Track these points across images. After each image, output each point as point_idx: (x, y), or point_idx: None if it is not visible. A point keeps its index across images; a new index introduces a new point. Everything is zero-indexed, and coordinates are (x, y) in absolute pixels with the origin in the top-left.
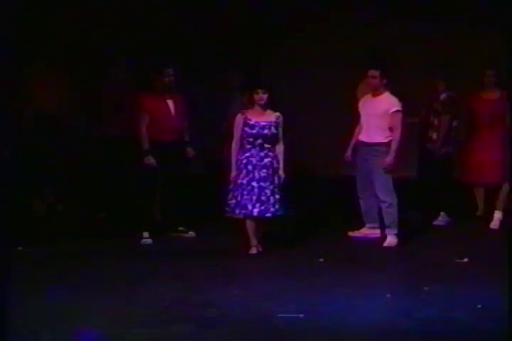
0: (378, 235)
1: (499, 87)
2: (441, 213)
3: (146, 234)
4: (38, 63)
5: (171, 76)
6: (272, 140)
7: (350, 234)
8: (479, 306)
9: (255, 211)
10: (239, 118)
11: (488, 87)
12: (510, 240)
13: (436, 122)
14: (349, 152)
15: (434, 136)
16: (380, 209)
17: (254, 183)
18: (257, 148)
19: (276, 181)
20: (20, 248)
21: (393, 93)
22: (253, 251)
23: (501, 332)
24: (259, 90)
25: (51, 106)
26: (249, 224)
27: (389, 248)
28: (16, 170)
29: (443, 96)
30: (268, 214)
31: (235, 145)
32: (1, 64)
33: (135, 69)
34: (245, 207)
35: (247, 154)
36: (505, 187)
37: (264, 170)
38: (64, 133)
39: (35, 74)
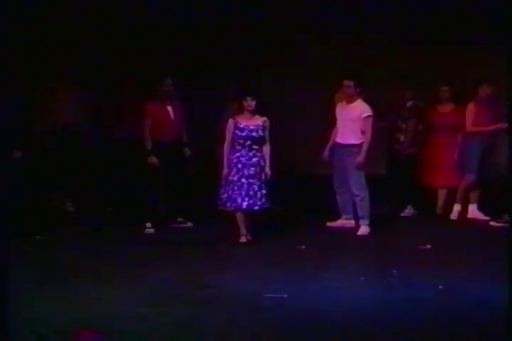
0: (353, 225)
1: (453, 101)
2: (408, 206)
3: (148, 225)
4: (58, 78)
5: (170, 85)
6: (260, 141)
7: (329, 224)
8: (440, 287)
9: (244, 204)
10: (230, 123)
11: (443, 100)
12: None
13: (403, 126)
14: (327, 152)
15: (402, 138)
16: (354, 203)
17: (243, 180)
18: (246, 149)
19: (263, 178)
20: (38, 236)
21: (365, 100)
22: (243, 239)
23: (459, 309)
24: (248, 98)
25: (68, 115)
26: (239, 216)
27: (362, 236)
28: (30, 171)
29: (409, 103)
30: (256, 207)
31: (226, 146)
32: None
33: (140, 79)
34: (235, 200)
35: (238, 154)
36: (463, 183)
37: (253, 168)
38: (77, 138)
39: (55, 88)
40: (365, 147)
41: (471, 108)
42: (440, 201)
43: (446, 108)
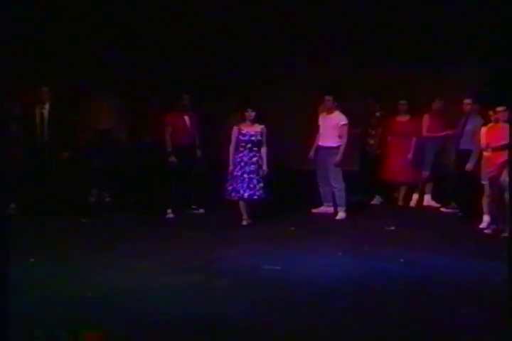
0: (332, 211)
1: (409, 112)
2: (376, 196)
3: (169, 211)
4: (98, 94)
5: (188, 100)
6: (258, 144)
7: (313, 210)
8: (402, 260)
9: (246, 195)
10: (235, 129)
11: (401, 112)
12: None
13: (373, 132)
14: (312, 153)
15: (371, 142)
16: (333, 193)
17: (245, 175)
18: (248, 150)
19: (260, 173)
20: (83, 219)
21: (342, 111)
22: (244, 223)
23: (416, 277)
24: (249, 109)
25: (105, 123)
26: (242, 204)
27: (340, 220)
28: (76, 169)
29: (377, 114)
30: (255, 197)
31: (232, 148)
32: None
33: (163, 95)
34: (239, 191)
35: (241, 154)
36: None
37: (253, 166)
38: (112, 142)
39: (96, 102)
40: (342, 149)
41: (426, 118)
42: (401, 195)
43: (404, 118)
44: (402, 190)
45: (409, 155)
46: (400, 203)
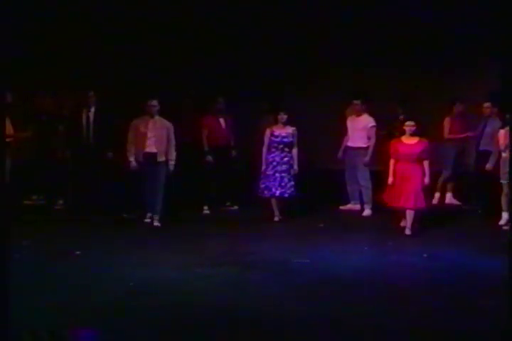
0: (359, 208)
1: (418, 134)
2: None
3: (205, 207)
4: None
5: (222, 103)
6: (290, 145)
7: (341, 207)
8: (425, 255)
9: (277, 192)
10: (267, 131)
11: (409, 134)
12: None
13: (397, 134)
14: (340, 153)
15: None
16: (360, 191)
17: (277, 174)
18: (279, 151)
19: (291, 173)
20: (125, 215)
21: (370, 114)
22: (276, 219)
23: (437, 270)
24: (281, 112)
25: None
26: (273, 201)
27: (366, 217)
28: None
29: (401, 117)
30: (286, 195)
31: (265, 149)
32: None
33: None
34: (271, 189)
35: (273, 155)
36: (441, 177)
37: (284, 166)
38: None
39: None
40: (371, 149)
41: (447, 120)
42: (408, 221)
43: (412, 140)
44: (410, 216)
45: (426, 180)
46: (408, 232)
